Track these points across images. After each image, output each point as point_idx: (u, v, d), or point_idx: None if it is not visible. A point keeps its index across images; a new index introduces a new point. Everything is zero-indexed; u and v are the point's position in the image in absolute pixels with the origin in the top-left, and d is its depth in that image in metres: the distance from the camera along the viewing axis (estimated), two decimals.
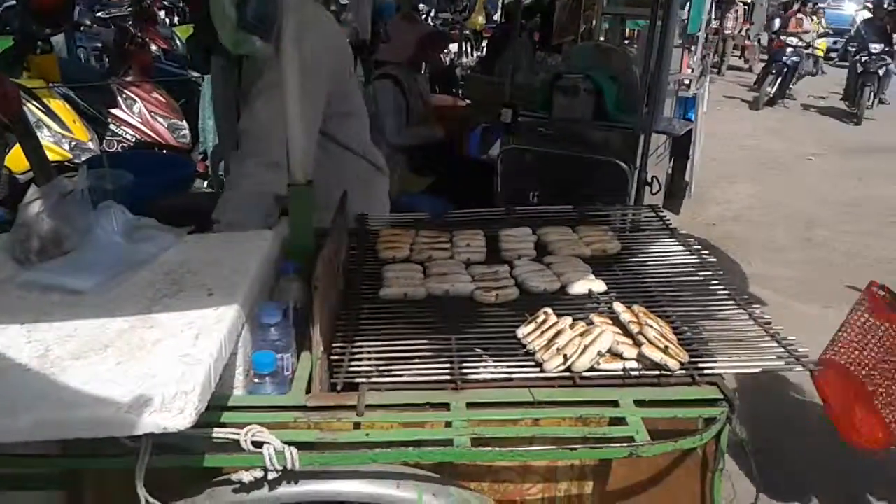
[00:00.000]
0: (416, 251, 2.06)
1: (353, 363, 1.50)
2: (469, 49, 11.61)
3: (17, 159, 3.48)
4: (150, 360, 1.30)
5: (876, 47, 12.70)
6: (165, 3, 10.18)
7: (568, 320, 1.62)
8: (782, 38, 14.01)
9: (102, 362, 1.30)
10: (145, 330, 1.40)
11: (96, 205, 1.81)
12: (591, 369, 1.50)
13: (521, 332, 1.62)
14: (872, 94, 12.90)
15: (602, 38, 6.59)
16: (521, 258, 2.04)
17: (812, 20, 14.76)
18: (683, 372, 1.49)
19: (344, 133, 2.31)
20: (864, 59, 12.78)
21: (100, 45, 7.13)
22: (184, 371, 1.25)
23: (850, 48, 15.16)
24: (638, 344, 1.53)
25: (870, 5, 14.09)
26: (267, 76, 2.08)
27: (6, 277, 1.62)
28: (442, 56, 9.13)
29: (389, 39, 4.54)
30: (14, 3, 5.56)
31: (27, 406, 1.18)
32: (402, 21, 4.77)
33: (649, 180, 3.96)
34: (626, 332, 1.59)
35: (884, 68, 12.85)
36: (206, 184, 5.18)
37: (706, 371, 1.49)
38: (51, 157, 3.64)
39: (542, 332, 1.58)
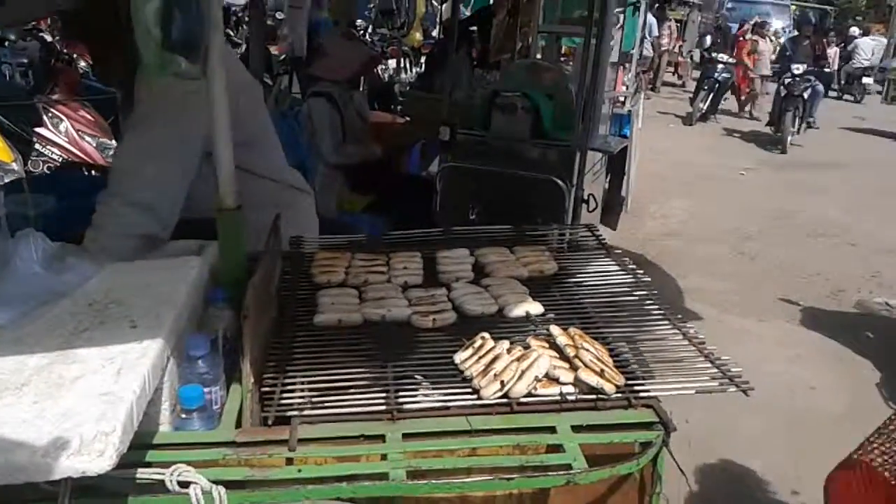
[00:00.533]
0: (351, 275, 2.02)
1: (286, 395, 1.46)
2: (407, 65, 11.61)
3: None
4: (69, 399, 1.23)
5: (798, 67, 11.96)
6: None
7: (505, 344, 1.60)
8: (713, 55, 14.26)
9: (18, 402, 1.23)
10: (65, 366, 1.33)
11: (15, 232, 1.74)
12: (529, 395, 1.48)
13: (459, 357, 1.59)
14: (798, 118, 12.07)
15: (539, 56, 6.66)
16: (459, 280, 2.02)
17: (769, 41, 14.80)
18: (620, 395, 1.48)
19: (245, 160, 2.23)
20: (787, 80, 12.00)
21: (25, 60, 6.90)
22: (104, 410, 1.19)
23: (773, 69, 14.95)
24: (574, 368, 1.52)
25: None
26: (138, 110, 2.00)
27: None
28: (380, 72, 9.12)
29: (325, 56, 4.50)
30: None
31: None
32: (337, 38, 4.74)
33: (586, 198, 4.01)
34: (563, 356, 1.58)
35: (809, 90, 12.03)
36: None
37: (641, 394, 1.49)
38: None
39: (479, 358, 1.56)
